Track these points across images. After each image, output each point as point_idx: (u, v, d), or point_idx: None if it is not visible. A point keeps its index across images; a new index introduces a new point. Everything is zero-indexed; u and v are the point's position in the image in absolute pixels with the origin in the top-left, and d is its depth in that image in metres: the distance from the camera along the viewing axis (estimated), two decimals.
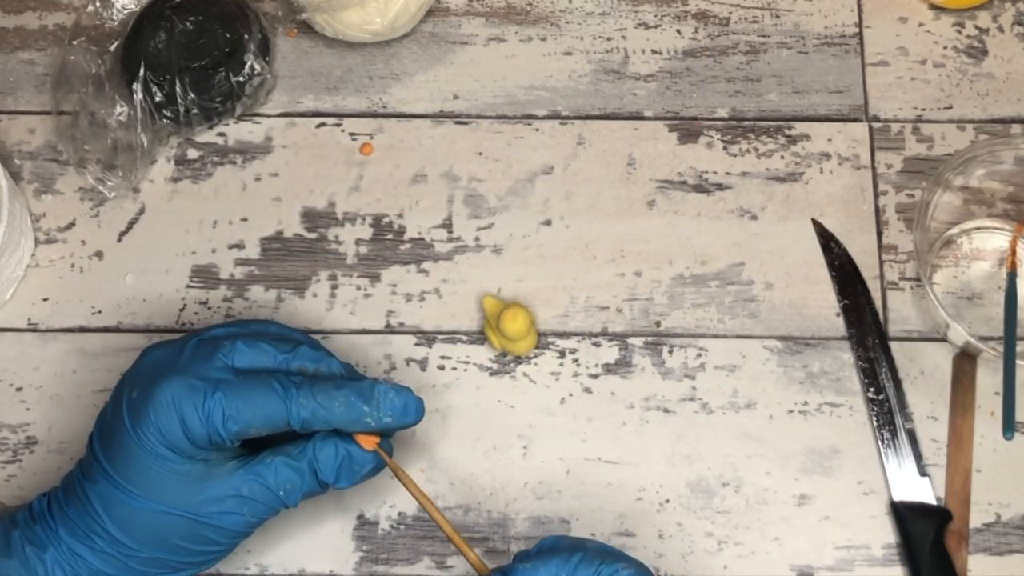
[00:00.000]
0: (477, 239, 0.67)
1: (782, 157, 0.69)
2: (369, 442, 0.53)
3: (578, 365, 0.64)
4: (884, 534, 0.60)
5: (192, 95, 0.67)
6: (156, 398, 0.51)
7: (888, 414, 0.62)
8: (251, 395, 0.51)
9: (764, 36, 0.72)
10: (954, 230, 0.66)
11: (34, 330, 0.66)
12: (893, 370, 0.63)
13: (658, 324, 0.65)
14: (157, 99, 0.67)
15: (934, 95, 0.70)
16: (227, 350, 0.53)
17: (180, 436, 0.51)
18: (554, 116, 0.70)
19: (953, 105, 0.70)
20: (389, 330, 0.65)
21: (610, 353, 0.64)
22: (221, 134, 0.70)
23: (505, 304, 0.63)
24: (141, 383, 0.52)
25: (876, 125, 0.69)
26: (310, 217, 0.68)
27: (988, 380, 0.63)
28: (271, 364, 0.54)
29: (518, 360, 0.64)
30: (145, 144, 0.67)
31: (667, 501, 0.61)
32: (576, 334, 0.65)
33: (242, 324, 0.56)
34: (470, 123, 0.70)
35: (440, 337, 0.65)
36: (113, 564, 0.52)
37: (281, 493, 0.53)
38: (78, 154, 0.68)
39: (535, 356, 0.64)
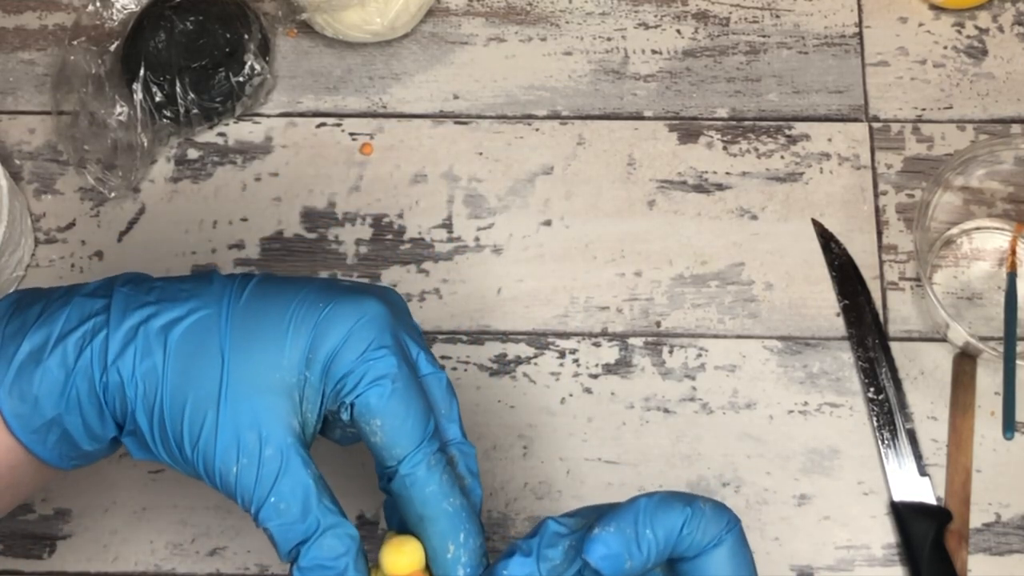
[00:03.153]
0: (477, 239, 0.67)
1: (782, 157, 0.69)
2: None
3: (578, 365, 0.64)
4: (884, 534, 0.60)
5: (192, 95, 0.67)
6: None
7: (888, 414, 0.62)
8: (412, 396, 0.44)
9: (764, 36, 0.72)
10: (954, 230, 0.66)
11: None
12: (893, 370, 0.63)
13: (658, 324, 0.65)
14: (157, 99, 0.67)
15: (934, 95, 0.70)
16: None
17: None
18: (554, 116, 0.70)
19: (953, 105, 0.70)
20: None
21: (610, 353, 0.64)
22: (221, 134, 0.70)
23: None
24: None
25: (876, 125, 0.69)
26: (310, 217, 0.68)
27: (988, 380, 0.63)
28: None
29: (518, 360, 0.64)
30: (145, 144, 0.67)
31: None
32: (576, 334, 0.65)
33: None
34: (470, 123, 0.70)
35: (440, 337, 0.65)
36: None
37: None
38: (78, 154, 0.68)
39: (535, 356, 0.64)
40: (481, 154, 0.69)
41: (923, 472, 0.61)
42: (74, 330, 0.43)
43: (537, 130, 0.70)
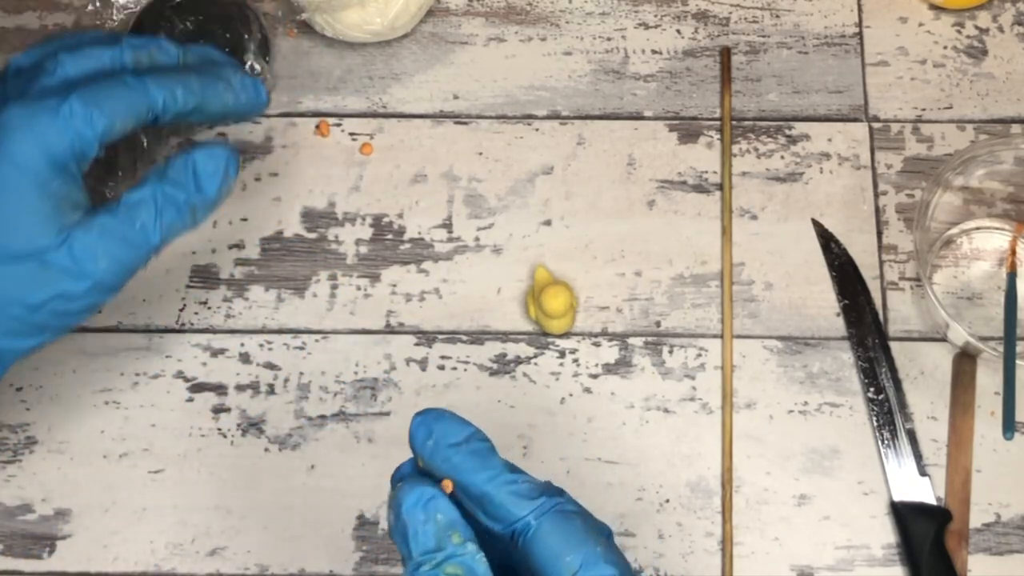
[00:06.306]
0: (477, 239, 0.67)
1: (782, 157, 0.69)
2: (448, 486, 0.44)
3: (578, 365, 0.64)
4: (884, 534, 0.60)
5: None
6: (5, 126, 0.47)
7: (888, 414, 0.62)
8: (105, 89, 0.48)
9: (764, 36, 0.72)
10: (954, 230, 0.66)
11: None
12: (893, 370, 0.63)
13: (658, 324, 0.65)
14: None
15: (934, 95, 0.70)
16: (51, 65, 0.49)
17: (38, 158, 0.47)
18: (554, 116, 0.70)
19: (953, 105, 0.70)
20: (389, 330, 0.65)
21: (610, 353, 0.64)
22: (221, 134, 0.70)
23: (554, 280, 0.64)
24: None
25: (876, 125, 0.69)
26: (310, 217, 0.68)
27: (988, 380, 0.63)
28: (106, 63, 0.51)
29: (518, 360, 0.64)
30: (145, 144, 0.67)
31: (667, 501, 0.61)
32: (576, 334, 0.65)
33: (52, 42, 0.52)
34: (470, 123, 0.70)
35: (440, 337, 0.65)
36: None
37: (138, 225, 0.50)
38: None
39: (535, 356, 0.64)
40: (481, 154, 0.69)
41: (923, 472, 0.61)
42: None
43: (537, 130, 0.70)
